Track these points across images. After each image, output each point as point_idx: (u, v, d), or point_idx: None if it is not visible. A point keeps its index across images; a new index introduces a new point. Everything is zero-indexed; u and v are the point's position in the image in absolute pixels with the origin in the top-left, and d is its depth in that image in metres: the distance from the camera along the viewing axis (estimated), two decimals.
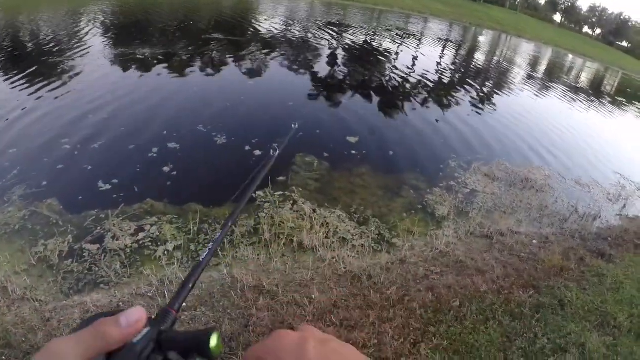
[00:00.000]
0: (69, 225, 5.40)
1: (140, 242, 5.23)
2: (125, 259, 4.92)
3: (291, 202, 6.40)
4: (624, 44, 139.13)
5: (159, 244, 5.23)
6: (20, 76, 10.33)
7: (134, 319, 0.62)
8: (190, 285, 0.84)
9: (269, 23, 23.74)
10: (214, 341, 0.64)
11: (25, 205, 5.67)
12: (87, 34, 15.90)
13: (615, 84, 36.66)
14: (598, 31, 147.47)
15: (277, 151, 1.68)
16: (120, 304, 4.17)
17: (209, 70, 12.94)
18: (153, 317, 0.68)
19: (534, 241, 6.46)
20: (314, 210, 6.21)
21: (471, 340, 4.15)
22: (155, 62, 12.77)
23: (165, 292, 4.32)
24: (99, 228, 5.40)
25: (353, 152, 8.49)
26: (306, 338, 0.60)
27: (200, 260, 0.89)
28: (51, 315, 3.98)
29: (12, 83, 9.92)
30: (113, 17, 20.80)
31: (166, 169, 6.88)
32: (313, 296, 4.47)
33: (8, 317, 3.93)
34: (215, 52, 15.10)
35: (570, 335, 4.48)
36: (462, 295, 4.84)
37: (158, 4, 25.87)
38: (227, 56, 14.76)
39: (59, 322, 3.88)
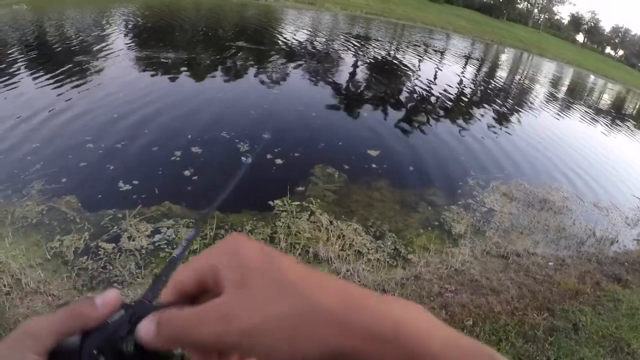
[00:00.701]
0: (86, 223, 5.45)
1: (156, 244, 5.26)
2: (140, 259, 4.95)
3: (308, 212, 6.41)
4: None
5: (174, 246, 5.25)
6: (46, 75, 10.52)
7: (109, 300, 0.62)
8: (164, 279, 0.79)
9: (292, 33, 23.83)
10: None
11: (44, 200, 5.75)
12: (112, 35, 16.15)
13: (637, 107, 36.37)
14: (620, 52, 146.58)
15: (249, 159, 1.71)
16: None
17: (233, 78, 13.05)
18: (128, 304, 0.66)
19: (550, 263, 6.40)
20: (331, 222, 6.21)
21: None
22: (179, 66, 12.90)
23: None
24: (115, 227, 5.45)
25: (374, 165, 8.49)
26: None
27: (175, 256, 0.84)
28: None
29: (38, 81, 10.09)
30: (138, 20, 21.01)
31: (187, 172, 6.93)
32: None
33: (20, 309, 3.97)
34: (239, 59, 15.18)
35: None
36: (476, 314, 4.80)
37: (183, 9, 26.11)
38: (251, 64, 14.84)
39: None
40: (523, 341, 4.54)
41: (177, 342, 0.51)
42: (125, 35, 16.94)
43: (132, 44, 15.32)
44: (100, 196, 6.06)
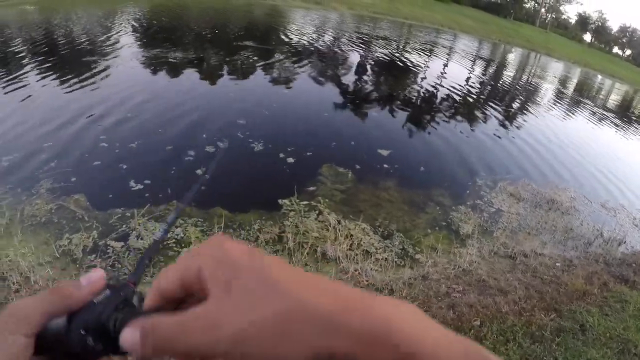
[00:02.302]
0: (95, 222, 5.48)
1: (164, 243, 5.27)
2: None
3: (316, 212, 6.42)
4: None
5: (182, 245, 5.27)
6: (57, 77, 10.54)
7: (94, 280, 0.62)
8: (147, 261, 0.84)
9: (300, 32, 23.81)
10: None
11: (53, 199, 5.78)
12: (120, 35, 16.17)
13: None
14: (628, 52, 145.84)
15: (207, 175, 1.68)
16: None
17: (243, 78, 13.04)
18: (113, 285, 0.67)
19: (558, 264, 6.40)
20: (339, 222, 6.22)
21: None
22: (190, 66, 12.94)
23: None
24: (124, 226, 5.47)
25: (385, 165, 8.51)
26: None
27: (155, 239, 0.88)
28: None
29: (49, 83, 10.12)
30: (144, 20, 21.02)
31: (199, 172, 6.97)
32: None
33: None
34: (247, 59, 15.17)
35: None
36: (483, 314, 4.81)
37: (188, 9, 26.12)
38: (260, 64, 14.83)
39: None
40: (530, 342, 4.54)
41: (162, 351, 0.48)
42: (133, 35, 16.96)
43: (140, 44, 15.37)
44: (110, 195, 6.08)
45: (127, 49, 13.90)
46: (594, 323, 5.09)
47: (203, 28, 20.98)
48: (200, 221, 5.75)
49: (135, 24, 19.41)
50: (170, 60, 13.17)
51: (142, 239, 5.26)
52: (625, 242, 7.92)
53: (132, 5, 24.12)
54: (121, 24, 18.75)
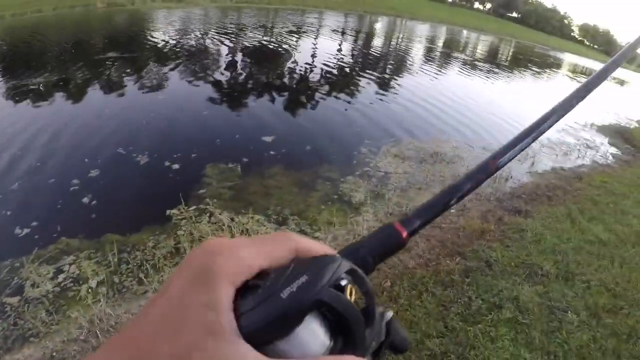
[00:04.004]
0: None
1: (62, 285, 5.02)
2: (50, 305, 4.72)
3: (208, 214, 6.30)
4: (514, 14, 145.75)
5: (81, 282, 5.04)
6: None
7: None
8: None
9: (164, 34, 23.08)
10: None
11: None
12: None
13: (510, 52, 38.21)
14: (489, 5, 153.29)
15: None
16: (54, 354, 4.00)
17: (114, 91, 12.44)
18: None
19: (452, 210, 6.65)
20: (232, 219, 6.15)
21: (409, 316, 4.24)
22: (53, 90, 12.10)
23: (97, 332, 4.18)
24: (16, 278, 5.15)
25: (272, 152, 8.47)
26: None
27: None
28: None
29: None
30: None
31: (86, 200, 6.63)
32: None
33: None
34: (116, 71, 14.51)
35: (503, 291, 4.70)
36: (392, 274, 4.93)
37: (45, 27, 24.62)
38: (128, 74, 14.12)
39: None
40: (442, 288, 4.72)
41: None
42: None
43: None
44: None
45: None
46: (498, 257, 5.39)
47: (63, 45, 19.80)
48: (92, 252, 5.51)
49: None
50: (31, 87, 12.33)
51: (37, 287, 4.99)
52: (511, 177, 8.40)
53: None
54: None
